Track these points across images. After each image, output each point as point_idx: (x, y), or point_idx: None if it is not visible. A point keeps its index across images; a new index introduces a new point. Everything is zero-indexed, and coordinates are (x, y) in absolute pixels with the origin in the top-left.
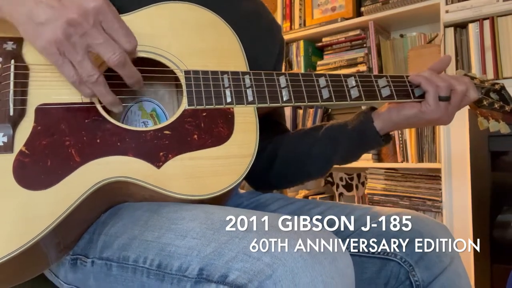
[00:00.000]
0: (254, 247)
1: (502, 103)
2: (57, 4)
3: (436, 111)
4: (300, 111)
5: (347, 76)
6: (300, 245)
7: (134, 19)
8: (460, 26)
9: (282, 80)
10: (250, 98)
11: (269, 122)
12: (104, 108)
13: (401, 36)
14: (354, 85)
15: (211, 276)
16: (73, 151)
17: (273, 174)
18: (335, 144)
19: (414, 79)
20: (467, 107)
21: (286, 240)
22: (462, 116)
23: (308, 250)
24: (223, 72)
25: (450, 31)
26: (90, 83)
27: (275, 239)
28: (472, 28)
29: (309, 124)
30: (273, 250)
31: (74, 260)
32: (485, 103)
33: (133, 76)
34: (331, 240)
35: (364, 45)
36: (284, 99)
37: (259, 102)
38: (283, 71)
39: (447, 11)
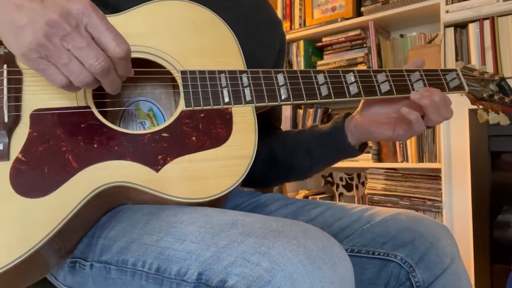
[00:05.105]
0: (253, 252)
1: (502, 94)
2: (38, 6)
3: (409, 137)
4: (300, 111)
5: (345, 72)
6: (299, 250)
7: (129, 18)
8: (460, 26)
9: (280, 78)
10: (248, 98)
11: (266, 126)
12: (100, 112)
13: (401, 36)
14: (353, 81)
15: (210, 281)
16: (70, 157)
17: (254, 174)
18: (312, 157)
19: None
20: (468, 103)
21: (286, 244)
22: (462, 116)
23: (308, 255)
24: (220, 72)
25: (450, 31)
26: (82, 85)
27: (274, 244)
28: (472, 28)
29: (309, 124)
30: (272, 255)
31: (73, 263)
32: (485, 95)
33: (113, 85)
34: (331, 244)
35: (364, 45)
36: (283, 97)
37: (257, 101)
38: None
39: (447, 11)
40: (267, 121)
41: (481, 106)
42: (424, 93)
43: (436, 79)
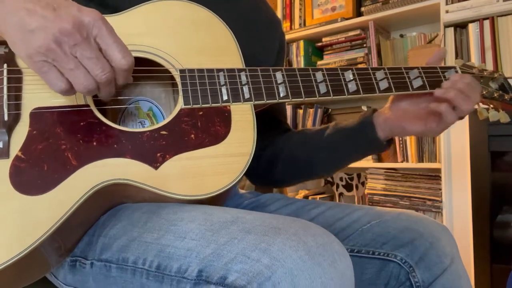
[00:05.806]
0: (253, 249)
1: (502, 92)
2: (51, 14)
3: (442, 129)
4: (300, 111)
5: (344, 69)
6: (299, 246)
7: (128, 18)
8: (460, 26)
9: (279, 76)
10: (247, 96)
11: (268, 119)
12: (99, 110)
13: (401, 36)
14: (352, 78)
15: (210, 278)
16: (69, 155)
17: (275, 175)
18: (338, 153)
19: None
20: None
21: (286, 241)
22: None
23: (308, 252)
24: (218, 70)
25: (450, 31)
26: (84, 92)
27: (274, 240)
28: (472, 28)
29: (309, 124)
30: (272, 251)
31: (73, 262)
32: (484, 92)
33: (110, 93)
34: (330, 241)
35: (364, 45)
36: (281, 95)
37: (256, 99)
38: None
39: (447, 11)
40: (276, 117)
41: (481, 104)
42: (447, 87)
43: (435, 76)
